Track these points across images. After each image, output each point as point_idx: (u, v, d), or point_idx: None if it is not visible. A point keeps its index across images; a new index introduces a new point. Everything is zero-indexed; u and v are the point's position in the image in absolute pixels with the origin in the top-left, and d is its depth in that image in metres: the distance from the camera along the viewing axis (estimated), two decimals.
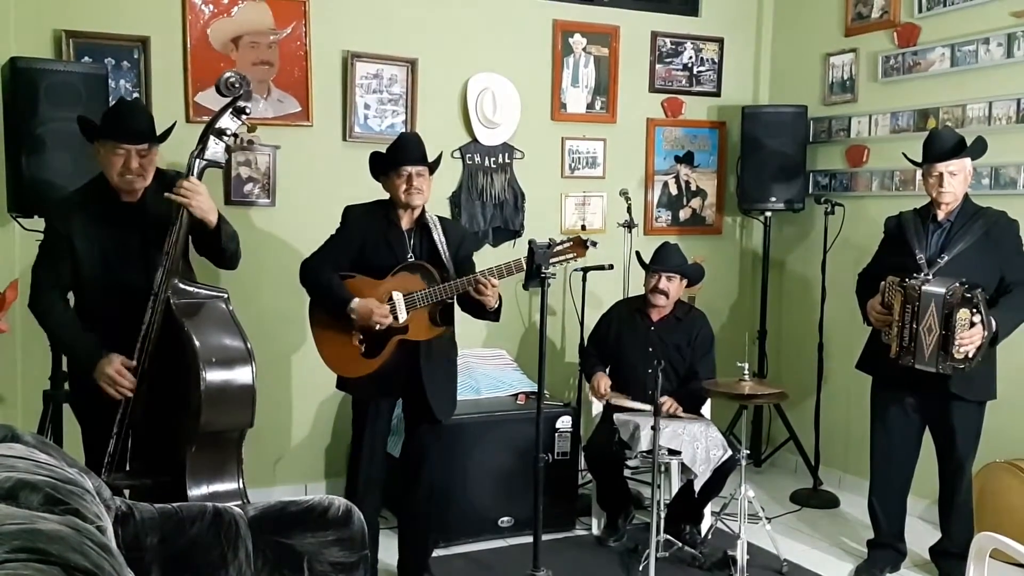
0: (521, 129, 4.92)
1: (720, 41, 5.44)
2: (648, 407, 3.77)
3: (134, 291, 2.81)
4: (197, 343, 2.71)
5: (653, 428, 3.53)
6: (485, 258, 4.23)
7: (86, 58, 3.97)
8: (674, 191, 5.42)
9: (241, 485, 2.82)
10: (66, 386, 3.37)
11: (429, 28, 4.68)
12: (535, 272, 3.13)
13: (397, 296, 3.33)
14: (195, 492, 2.72)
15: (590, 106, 5.15)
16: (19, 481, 1.70)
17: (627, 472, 4.20)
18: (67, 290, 2.94)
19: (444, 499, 3.84)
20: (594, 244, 3.35)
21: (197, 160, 2.87)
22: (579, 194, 5.13)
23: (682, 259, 4.19)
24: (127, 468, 2.83)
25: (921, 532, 4.10)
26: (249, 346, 2.81)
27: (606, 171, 5.19)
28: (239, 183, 4.35)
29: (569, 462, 4.27)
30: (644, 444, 3.73)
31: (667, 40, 5.32)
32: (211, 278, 3.33)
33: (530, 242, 3.17)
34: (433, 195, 3.54)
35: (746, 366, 3.72)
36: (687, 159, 5.43)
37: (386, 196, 3.44)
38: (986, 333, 3.33)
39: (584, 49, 5.09)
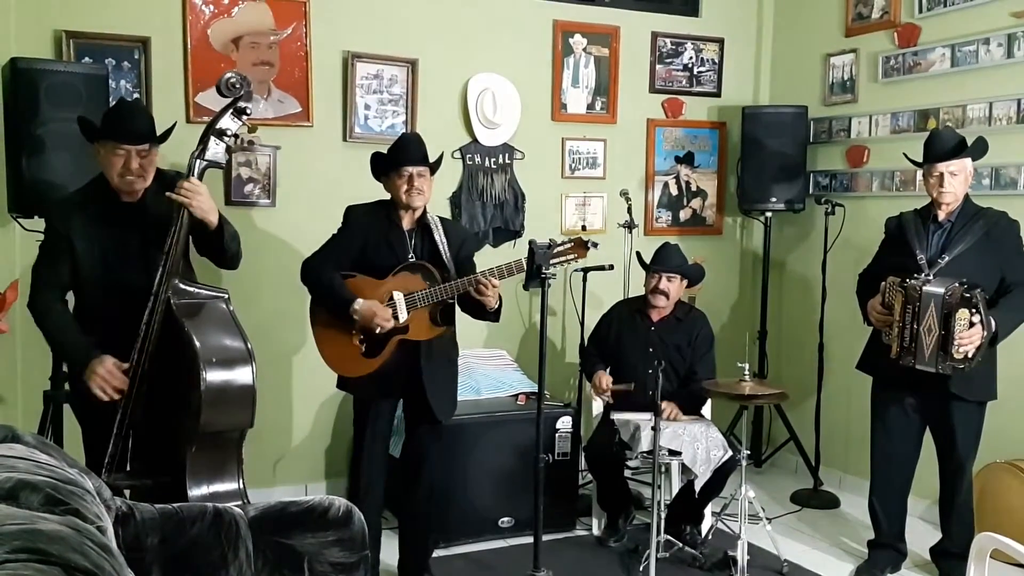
0: (521, 129, 4.92)
1: (720, 41, 5.45)
2: (647, 415, 3.77)
3: (134, 291, 2.81)
4: (197, 343, 2.71)
5: (653, 429, 3.54)
6: (485, 258, 4.22)
7: (86, 58, 3.97)
8: (674, 191, 5.42)
9: (241, 485, 2.82)
10: (66, 386, 3.37)
11: (429, 28, 4.68)
12: (535, 272, 3.13)
13: (398, 296, 3.33)
14: (195, 492, 2.72)
15: (590, 106, 5.15)
16: (19, 481, 1.70)
17: (627, 472, 4.20)
18: (67, 290, 2.94)
19: (444, 499, 3.84)
20: (595, 245, 3.34)
21: (198, 160, 2.87)
22: (579, 194, 5.13)
23: (682, 259, 4.19)
24: (127, 468, 2.83)
25: (921, 532, 4.10)
26: (249, 346, 2.81)
27: (606, 171, 5.19)
28: (239, 183, 4.35)
29: (569, 462, 4.27)
30: (644, 445, 3.73)
31: (667, 40, 5.32)
32: (212, 278, 3.33)
33: (530, 242, 3.17)
34: (433, 195, 3.54)
35: (746, 366, 3.72)
36: (687, 159, 5.43)
37: (387, 196, 3.45)
38: (985, 333, 3.33)
39: (584, 49, 5.09)
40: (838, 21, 5.07)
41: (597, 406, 4.35)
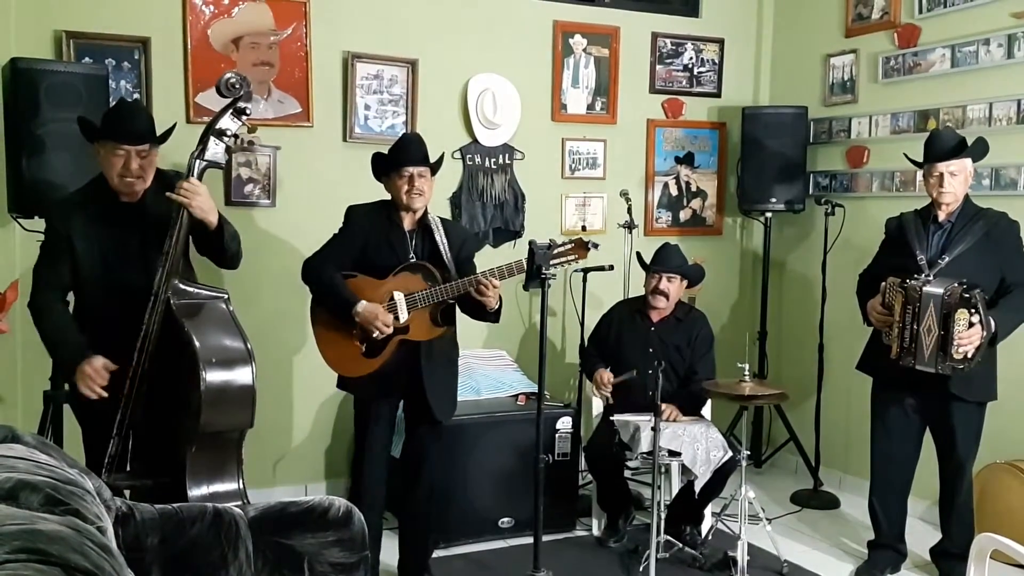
0: (521, 130, 4.92)
1: (720, 42, 5.45)
2: (647, 416, 3.77)
3: (134, 291, 2.82)
4: (197, 343, 2.71)
5: (653, 429, 3.54)
6: (485, 259, 4.22)
7: (86, 59, 3.97)
8: (674, 192, 5.42)
9: (241, 485, 2.82)
10: (66, 387, 3.37)
11: (429, 28, 4.68)
12: (535, 273, 3.13)
13: (398, 296, 3.33)
14: (195, 492, 2.72)
15: (590, 107, 5.15)
16: (19, 482, 1.70)
17: (627, 473, 4.20)
18: (67, 290, 2.94)
19: (444, 499, 3.84)
20: (595, 246, 3.34)
21: (197, 161, 2.88)
22: (579, 195, 5.13)
23: (682, 260, 4.19)
24: (127, 469, 2.83)
25: (921, 533, 4.10)
26: (249, 346, 2.81)
27: (606, 172, 5.19)
28: (239, 184, 4.35)
29: (569, 463, 4.27)
30: (644, 445, 3.73)
31: (667, 41, 5.32)
32: (212, 278, 3.33)
33: (530, 243, 3.17)
34: (433, 196, 3.54)
35: (746, 367, 3.72)
36: (687, 160, 5.43)
37: (388, 197, 3.45)
38: (985, 333, 3.33)
39: (584, 50, 5.10)
40: (838, 21, 5.07)
41: (597, 406, 4.35)
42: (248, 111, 2.93)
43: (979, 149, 3.58)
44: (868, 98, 4.90)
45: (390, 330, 3.30)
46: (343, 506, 2.40)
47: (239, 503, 2.58)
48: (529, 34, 4.96)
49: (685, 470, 3.83)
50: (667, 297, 4.11)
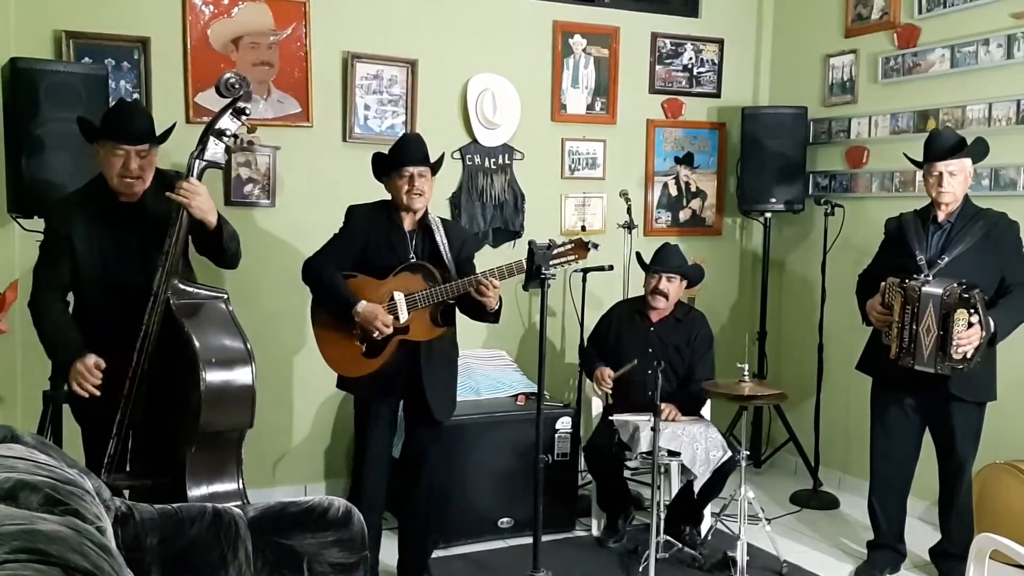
0: (521, 130, 4.93)
1: (720, 42, 5.45)
2: (646, 416, 3.77)
3: (134, 291, 2.81)
4: (197, 343, 2.71)
5: (653, 429, 3.54)
6: (485, 259, 4.23)
7: (86, 59, 3.97)
8: (674, 192, 5.42)
9: (241, 486, 2.82)
10: (66, 387, 3.36)
11: (429, 29, 4.69)
12: (535, 273, 3.13)
13: (398, 296, 3.33)
14: (195, 493, 2.72)
15: (590, 107, 5.15)
16: (19, 482, 1.70)
17: (627, 473, 4.20)
18: (67, 290, 2.94)
19: (444, 500, 3.84)
20: (595, 246, 3.34)
21: (197, 161, 2.88)
22: (579, 195, 5.13)
23: (682, 260, 4.19)
24: (127, 469, 2.83)
25: (921, 533, 4.10)
26: (249, 346, 2.81)
27: (606, 172, 5.19)
28: (239, 184, 4.35)
29: (569, 463, 4.27)
30: (644, 445, 3.73)
31: (667, 41, 5.32)
32: (212, 278, 3.33)
33: (530, 243, 3.18)
34: (433, 196, 3.54)
35: (746, 367, 3.72)
36: (687, 160, 5.43)
37: (388, 197, 3.45)
38: (984, 334, 3.33)
39: (584, 50, 5.10)
40: (838, 22, 5.07)
41: (597, 406, 4.36)
42: (248, 111, 2.93)
43: (979, 149, 3.58)
44: (868, 98, 4.90)
45: (390, 330, 3.30)
46: (343, 506, 2.40)
47: (239, 503, 2.58)
48: (529, 34, 4.96)
49: (684, 470, 3.83)
50: (667, 297, 4.11)
